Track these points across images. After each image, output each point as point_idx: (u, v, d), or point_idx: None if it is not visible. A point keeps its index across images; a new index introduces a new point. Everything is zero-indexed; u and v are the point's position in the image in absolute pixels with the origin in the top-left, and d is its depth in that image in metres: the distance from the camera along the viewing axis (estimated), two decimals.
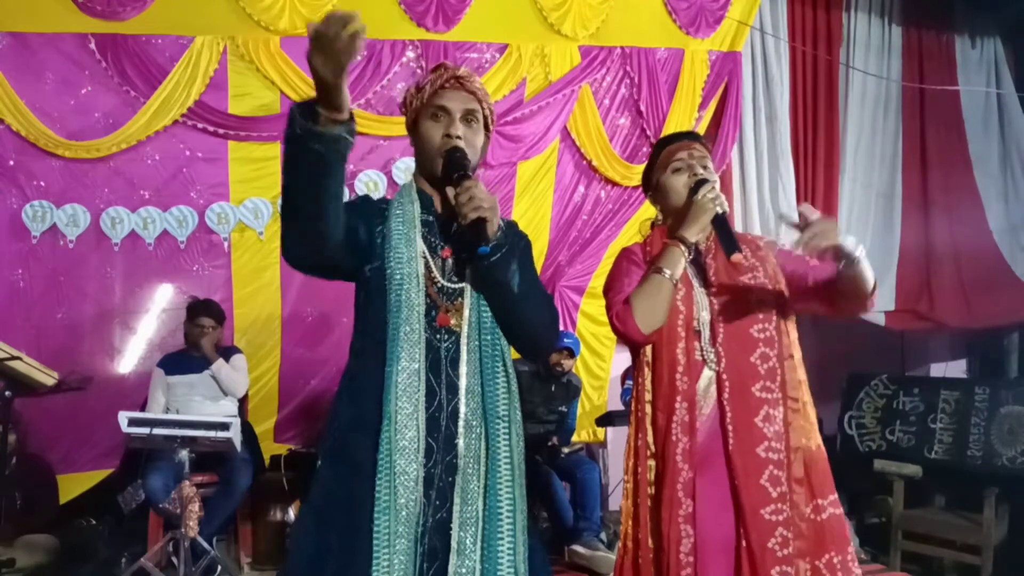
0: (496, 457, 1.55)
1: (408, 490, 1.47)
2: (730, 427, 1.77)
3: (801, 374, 1.86)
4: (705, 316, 1.85)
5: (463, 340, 1.57)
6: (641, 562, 1.82)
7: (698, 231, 1.86)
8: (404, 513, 1.46)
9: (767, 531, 1.72)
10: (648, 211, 5.26)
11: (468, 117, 1.64)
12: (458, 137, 1.60)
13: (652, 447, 1.85)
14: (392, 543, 1.44)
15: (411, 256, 1.57)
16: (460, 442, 1.53)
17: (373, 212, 1.64)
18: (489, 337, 1.59)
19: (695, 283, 1.89)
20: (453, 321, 1.58)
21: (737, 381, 1.79)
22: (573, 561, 3.98)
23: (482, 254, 1.52)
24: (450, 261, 1.62)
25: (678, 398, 1.80)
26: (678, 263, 1.84)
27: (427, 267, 1.59)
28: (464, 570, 1.49)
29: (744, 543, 1.72)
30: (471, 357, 1.57)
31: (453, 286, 1.60)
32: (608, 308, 1.92)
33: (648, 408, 1.87)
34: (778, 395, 1.80)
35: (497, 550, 1.51)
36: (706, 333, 1.84)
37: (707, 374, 1.83)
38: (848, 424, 5.04)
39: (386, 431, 1.48)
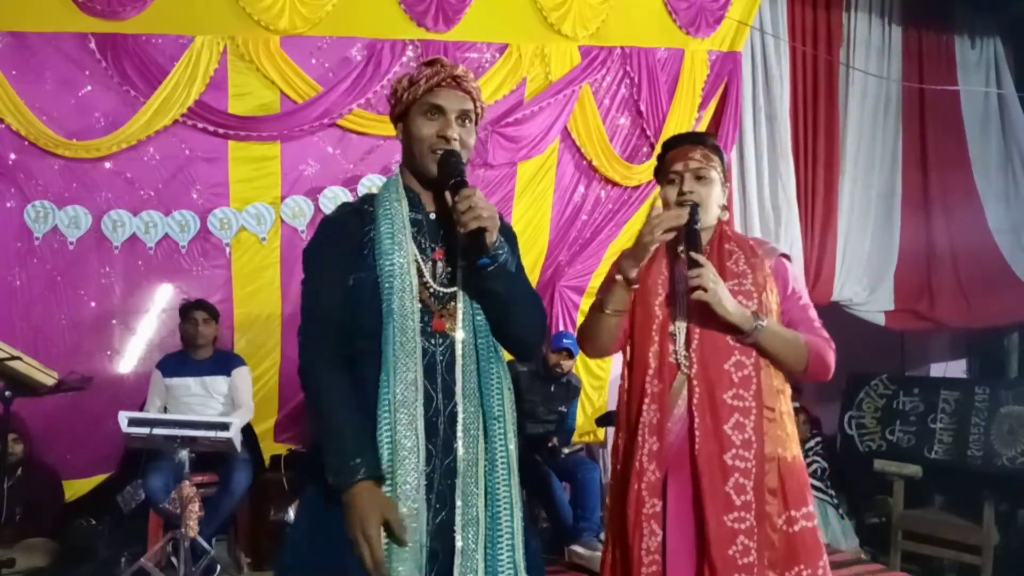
0: (494, 457, 1.55)
1: (409, 499, 1.47)
2: (697, 432, 1.77)
3: (779, 383, 1.85)
4: (683, 321, 1.84)
5: (458, 344, 1.56)
6: (618, 555, 1.84)
7: (635, 266, 1.82)
8: (405, 523, 1.46)
9: (728, 539, 1.71)
10: (648, 211, 5.26)
11: (463, 117, 1.60)
12: (454, 139, 1.58)
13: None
14: (395, 553, 1.45)
15: (403, 262, 1.54)
16: (459, 446, 1.53)
17: (352, 228, 1.60)
18: (484, 339, 1.58)
19: (680, 288, 1.87)
20: (448, 325, 1.57)
21: (707, 388, 1.78)
22: (572, 561, 3.98)
23: (482, 266, 1.51)
24: (442, 264, 1.59)
25: (646, 400, 1.81)
26: (621, 299, 1.85)
27: (419, 271, 1.56)
28: (467, 570, 1.49)
29: (706, 548, 1.72)
30: (467, 360, 1.56)
31: (446, 290, 1.58)
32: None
33: (626, 408, 1.90)
34: (751, 403, 1.78)
35: (498, 548, 1.52)
36: (681, 337, 1.84)
37: (680, 377, 1.83)
38: (848, 424, 5.04)
39: (387, 443, 1.48)
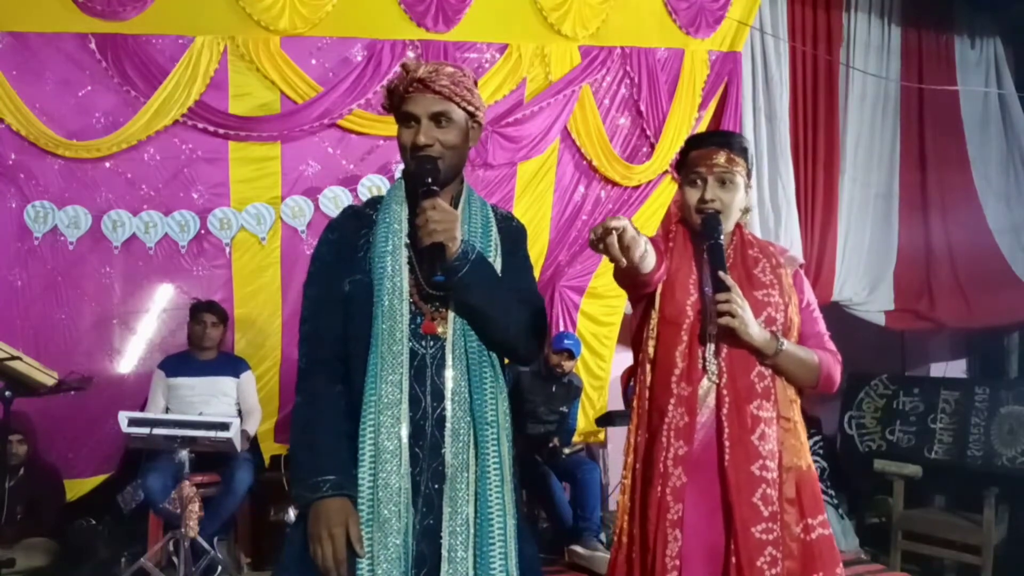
0: (485, 463, 1.54)
1: (391, 501, 1.48)
2: (727, 443, 1.76)
3: (792, 394, 1.85)
4: (714, 328, 1.79)
5: (448, 346, 1.56)
6: (635, 558, 1.82)
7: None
8: (387, 525, 1.47)
9: (757, 549, 1.71)
10: (648, 211, 5.24)
11: (438, 119, 1.57)
12: (427, 145, 1.56)
13: None
14: (375, 554, 1.45)
15: (395, 266, 1.55)
16: (447, 452, 1.52)
17: (350, 232, 1.62)
18: (475, 342, 1.58)
19: (710, 293, 1.82)
20: (440, 329, 1.57)
21: (735, 398, 1.78)
22: (573, 561, 3.99)
23: (436, 282, 1.52)
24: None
25: (672, 401, 1.79)
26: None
27: (413, 273, 1.57)
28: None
29: (734, 559, 1.71)
30: (457, 363, 1.56)
31: (438, 293, 1.57)
32: None
33: (647, 405, 1.86)
34: (772, 414, 1.79)
35: (489, 556, 1.51)
36: (711, 344, 1.81)
37: (707, 384, 1.81)
38: (848, 424, 5.04)
39: (369, 445, 1.49)
